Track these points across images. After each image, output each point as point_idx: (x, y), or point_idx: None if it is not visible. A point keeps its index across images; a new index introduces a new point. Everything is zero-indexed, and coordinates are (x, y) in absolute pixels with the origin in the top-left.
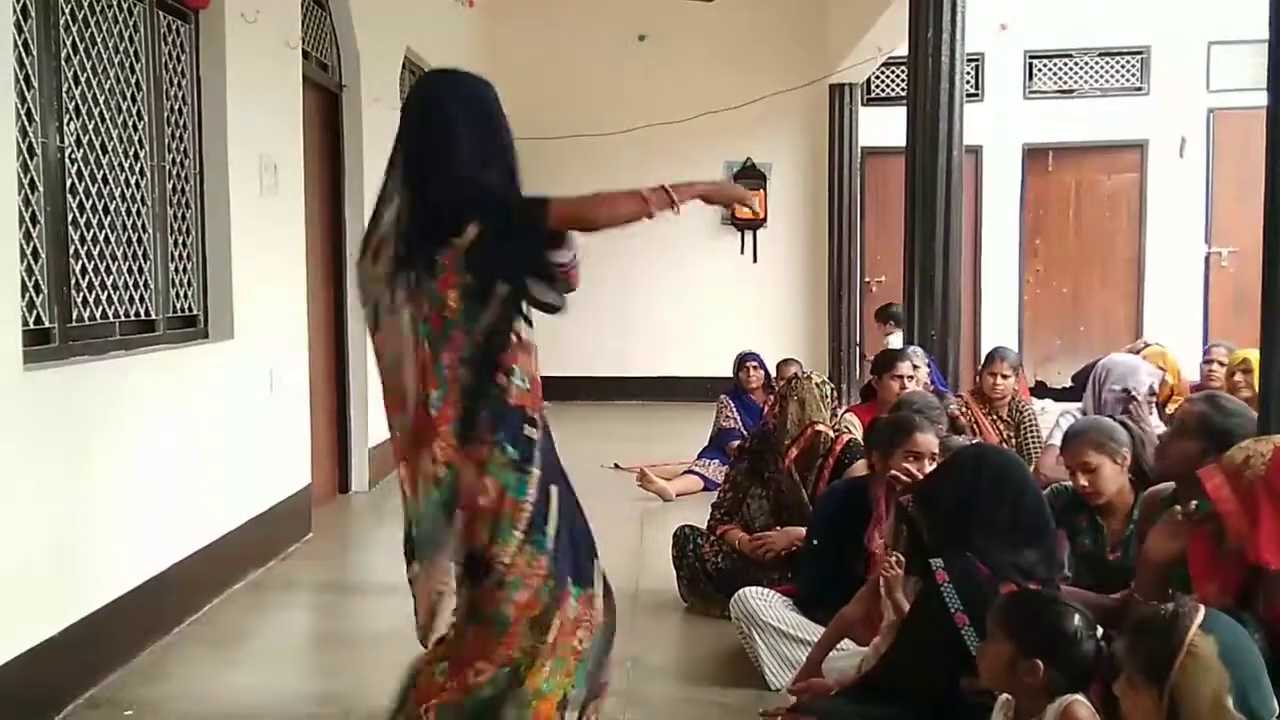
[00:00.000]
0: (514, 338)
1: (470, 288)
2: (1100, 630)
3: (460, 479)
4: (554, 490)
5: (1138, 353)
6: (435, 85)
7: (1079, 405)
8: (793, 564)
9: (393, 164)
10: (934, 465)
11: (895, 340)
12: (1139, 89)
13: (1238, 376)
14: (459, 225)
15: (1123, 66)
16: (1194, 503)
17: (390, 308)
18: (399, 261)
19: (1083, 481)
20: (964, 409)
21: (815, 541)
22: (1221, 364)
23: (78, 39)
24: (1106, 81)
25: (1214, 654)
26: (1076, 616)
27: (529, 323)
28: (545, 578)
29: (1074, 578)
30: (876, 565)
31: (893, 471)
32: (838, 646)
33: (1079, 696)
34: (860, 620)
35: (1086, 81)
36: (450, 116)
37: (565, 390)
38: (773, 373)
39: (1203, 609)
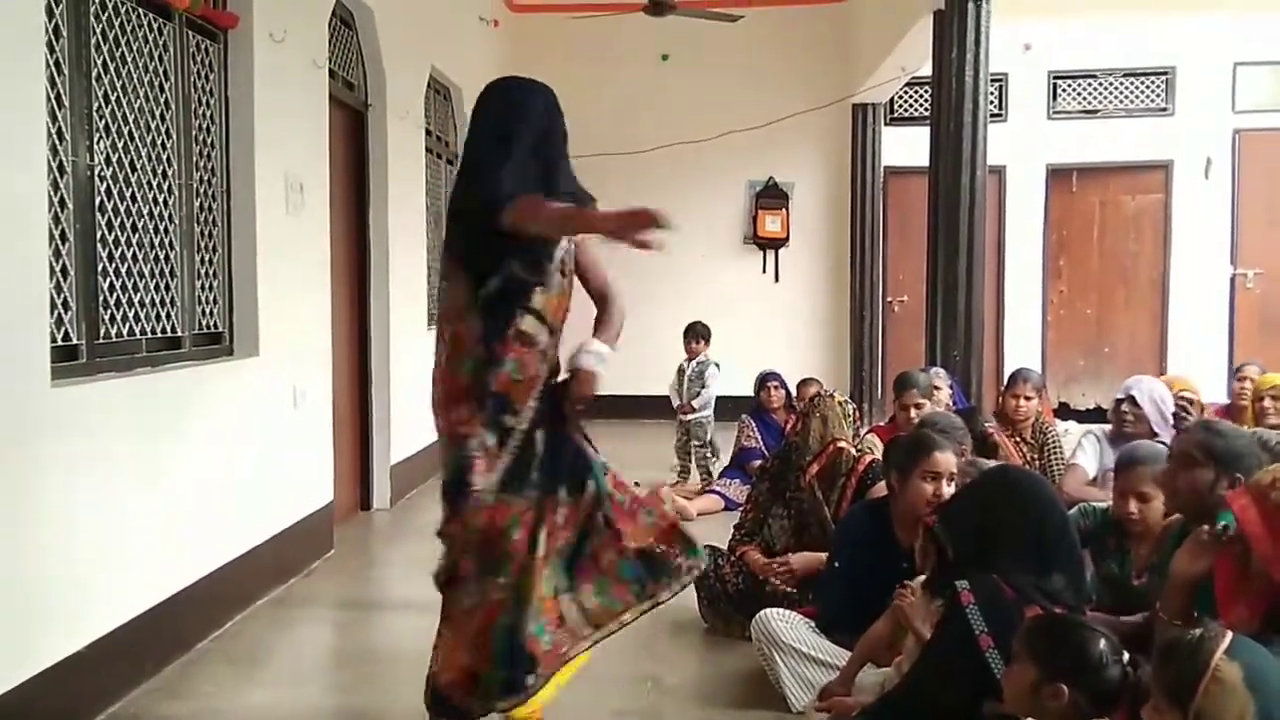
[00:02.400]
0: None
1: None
2: (1126, 655)
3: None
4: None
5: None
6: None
7: (1101, 426)
8: (814, 586)
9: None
10: (953, 486)
11: (707, 357)
12: (1164, 109)
13: (1266, 401)
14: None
15: (1147, 87)
16: (1221, 523)
17: None
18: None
19: (1132, 509)
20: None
21: (837, 564)
22: (1254, 381)
23: (108, 58)
24: (1131, 102)
25: (1239, 679)
26: (1102, 641)
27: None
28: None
29: (1097, 601)
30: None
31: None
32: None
33: None
34: (889, 636)
35: (1111, 102)
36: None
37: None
38: (793, 392)
39: (1229, 634)
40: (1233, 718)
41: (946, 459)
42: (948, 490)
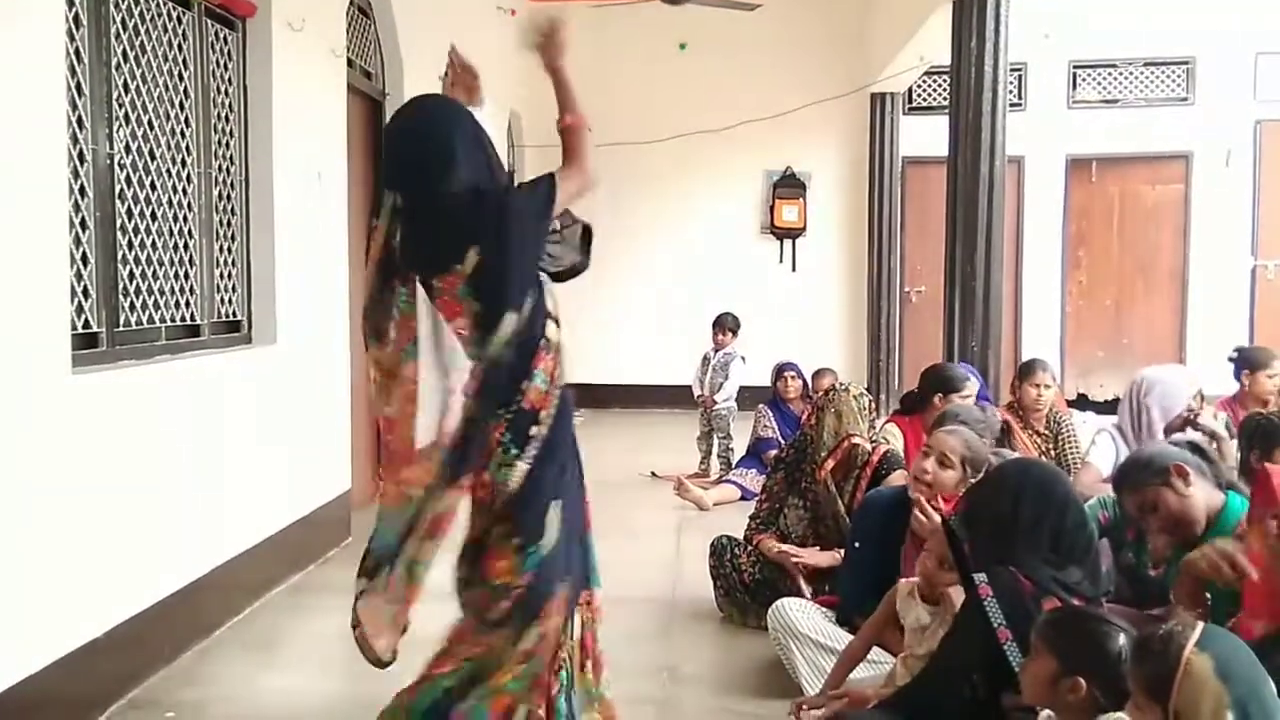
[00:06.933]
0: (542, 341)
1: (480, 316)
2: None
3: (430, 504)
4: (554, 505)
5: None
6: (427, 113)
7: (1115, 420)
8: (831, 576)
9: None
10: (939, 466)
11: (734, 349)
12: (1184, 99)
13: None
14: (460, 253)
15: (1168, 76)
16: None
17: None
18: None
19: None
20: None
21: (856, 545)
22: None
23: (128, 47)
24: (1151, 91)
25: (1210, 670)
26: (1121, 635)
27: (557, 324)
28: (527, 589)
29: (1115, 592)
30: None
31: (912, 475)
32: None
33: (1122, 715)
34: (870, 647)
35: (1131, 91)
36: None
37: (601, 398)
38: (810, 382)
39: (1200, 626)
40: (1208, 710)
41: (937, 439)
42: (929, 466)
